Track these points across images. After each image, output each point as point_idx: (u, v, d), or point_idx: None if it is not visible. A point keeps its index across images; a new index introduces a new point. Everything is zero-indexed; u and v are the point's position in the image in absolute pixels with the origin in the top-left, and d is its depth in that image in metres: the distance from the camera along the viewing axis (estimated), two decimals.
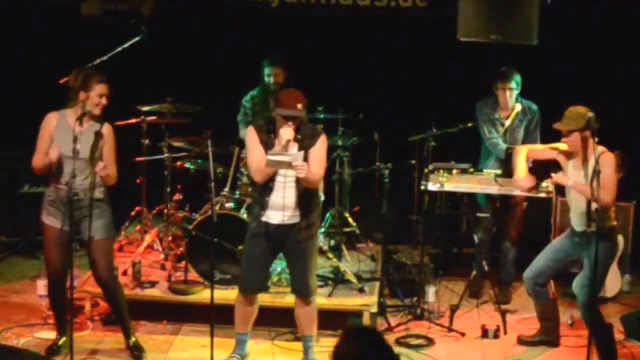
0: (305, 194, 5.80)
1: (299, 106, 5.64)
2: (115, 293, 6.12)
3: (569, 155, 6.09)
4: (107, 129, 5.92)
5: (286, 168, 5.64)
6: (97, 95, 5.85)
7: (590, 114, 5.88)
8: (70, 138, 5.69)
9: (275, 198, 5.78)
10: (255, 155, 5.78)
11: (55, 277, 6.01)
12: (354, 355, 3.71)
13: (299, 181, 5.73)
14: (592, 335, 5.96)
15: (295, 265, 5.94)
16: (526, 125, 7.24)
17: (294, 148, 5.72)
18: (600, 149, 5.91)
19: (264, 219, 5.82)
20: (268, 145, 5.74)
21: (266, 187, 5.80)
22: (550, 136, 6.93)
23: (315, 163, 5.74)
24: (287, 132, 5.64)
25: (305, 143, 5.77)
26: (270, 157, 5.56)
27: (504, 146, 7.12)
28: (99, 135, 5.77)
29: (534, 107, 7.25)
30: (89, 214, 5.80)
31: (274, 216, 5.82)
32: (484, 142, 7.29)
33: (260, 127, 5.84)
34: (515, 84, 7.14)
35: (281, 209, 5.78)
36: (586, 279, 6.04)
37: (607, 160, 5.88)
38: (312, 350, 6.05)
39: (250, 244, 5.93)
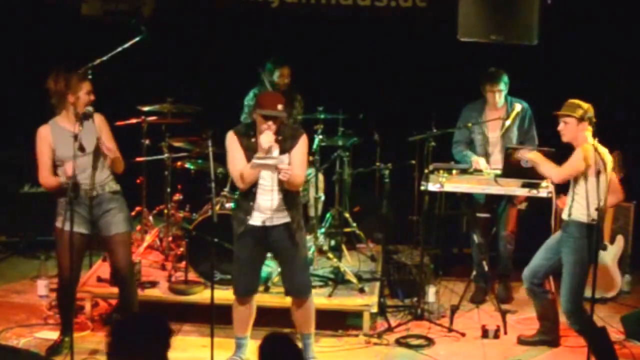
0: (289, 194, 5.81)
1: (279, 106, 5.63)
2: (131, 289, 6.16)
3: None
4: (98, 118, 5.90)
5: (272, 170, 5.65)
6: (85, 94, 5.82)
7: (587, 107, 5.88)
8: (71, 141, 5.66)
9: (261, 201, 5.77)
10: (236, 162, 5.78)
11: (67, 281, 5.97)
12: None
13: (281, 183, 5.73)
14: (587, 342, 5.96)
15: (288, 266, 5.94)
16: (519, 124, 7.21)
17: (275, 150, 5.70)
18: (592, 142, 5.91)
19: (251, 222, 5.81)
20: (249, 149, 5.74)
21: (249, 192, 5.79)
22: (548, 136, 6.94)
23: (297, 165, 5.73)
24: (266, 137, 5.61)
25: (286, 145, 5.75)
26: (256, 161, 5.58)
27: (469, 154, 7.14)
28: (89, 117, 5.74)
29: (525, 104, 7.23)
30: (106, 208, 5.87)
31: (261, 218, 5.80)
32: (473, 144, 7.27)
33: (239, 132, 5.83)
34: (503, 85, 7.12)
35: (268, 210, 5.78)
36: (563, 283, 6.06)
37: (579, 149, 5.87)
38: (311, 347, 6.06)
39: (239, 248, 5.92)
